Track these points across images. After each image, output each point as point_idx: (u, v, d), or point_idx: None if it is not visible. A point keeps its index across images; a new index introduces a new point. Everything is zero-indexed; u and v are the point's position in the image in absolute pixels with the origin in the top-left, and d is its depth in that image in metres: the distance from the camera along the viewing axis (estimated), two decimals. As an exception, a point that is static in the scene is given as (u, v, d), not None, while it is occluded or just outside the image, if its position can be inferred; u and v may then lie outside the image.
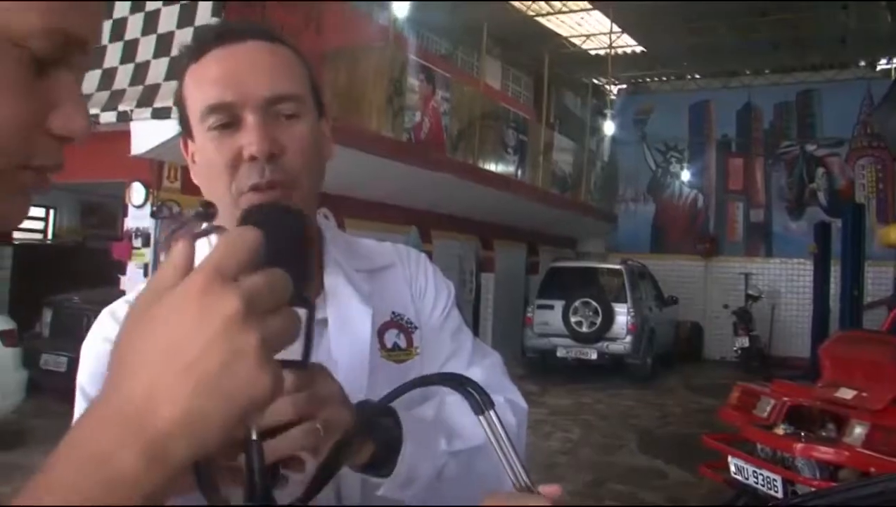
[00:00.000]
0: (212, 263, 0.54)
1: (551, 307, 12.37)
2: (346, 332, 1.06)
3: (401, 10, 10.01)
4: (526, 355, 12.63)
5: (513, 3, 13.23)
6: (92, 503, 0.49)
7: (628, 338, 12.11)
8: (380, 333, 1.10)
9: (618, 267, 12.99)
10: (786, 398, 5.32)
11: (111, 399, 0.52)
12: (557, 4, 13.49)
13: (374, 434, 0.90)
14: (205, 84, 1.00)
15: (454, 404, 1.04)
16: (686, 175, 17.39)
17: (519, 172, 13.01)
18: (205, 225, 0.61)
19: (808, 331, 12.11)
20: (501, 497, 0.77)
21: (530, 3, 13.30)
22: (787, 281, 15.87)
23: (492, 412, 0.79)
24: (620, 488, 6.53)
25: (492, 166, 11.95)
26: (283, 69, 1.03)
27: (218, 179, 1.00)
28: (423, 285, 1.20)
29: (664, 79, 17.97)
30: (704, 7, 12.41)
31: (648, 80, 18.09)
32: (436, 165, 9.69)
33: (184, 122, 1.05)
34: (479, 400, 0.80)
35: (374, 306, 1.10)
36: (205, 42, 1.03)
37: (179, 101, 1.05)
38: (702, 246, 16.78)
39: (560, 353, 12.34)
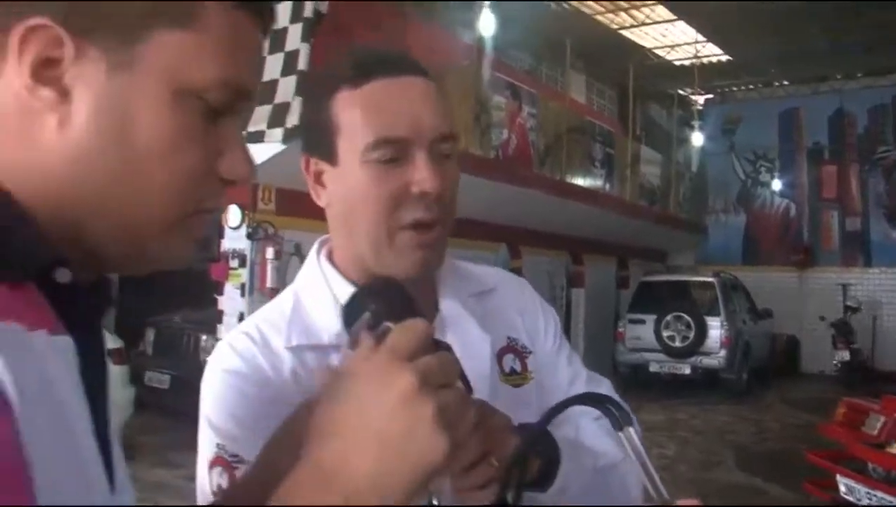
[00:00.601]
0: (390, 346, 0.61)
1: (643, 322, 12.23)
2: (467, 356, 1.05)
3: (486, 29, 10.12)
4: (618, 371, 12.50)
5: (596, 16, 13.21)
6: None
7: (722, 352, 11.86)
8: (498, 357, 1.12)
9: (710, 280, 12.75)
10: (898, 414, 5.15)
11: (312, 462, 0.59)
12: (641, 16, 13.40)
13: (539, 455, 0.95)
14: (374, 115, 0.99)
15: (586, 426, 1.10)
16: (777, 184, 16.96)
17: (607, 186, 12.95)
18: (383, 325, 0.68)
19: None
20: None
21: (613, 15, 13.25)
22: (889, 291, 15.29)
23: (630, 429, 0.82)
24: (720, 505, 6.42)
25: (579, 181, 11.93)
26: (443, 109, 1.04)
27: (370, 211, 0.99)
28: (532, 311, 1.22)
29: (751, 87, 17.59)
30: (792, 11, 12.13)
31: (735, 88, 17.74)
32: (523, 181, 9.75)
33: (324, 146, 1.03)
34: (619, 417, 0.83)
35: (490, 330, 1.11)
36: (365, 69, 1.02)
37: (323, 124, 1.02)
38: (796, 257, 16.32)
39: (653, 368, 12.18)
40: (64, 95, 0.56)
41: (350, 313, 0.78)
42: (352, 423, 0.59)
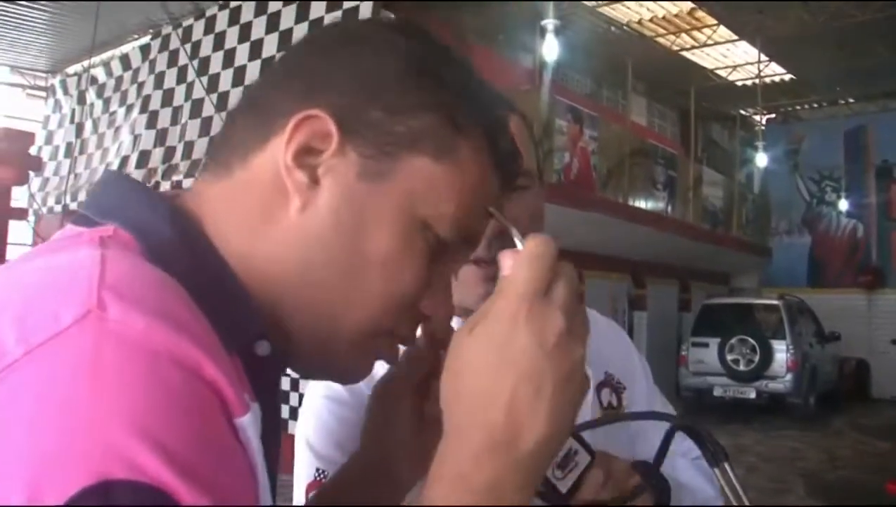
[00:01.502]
0: (528, 286, 0.56)
1: (706, 345, 12.05)
2: None
3: (549, 53, 10.18)
4: (681, 395, 12.33)
5: (657, 38, 13.18)
6: None
7: (789, 376, 11.61)
8: (597, 389, 1.14)
9: (775, 302, 12.52)
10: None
11: (475, 434, 0.54)
12: (702, 37, 13.33)
13: (653, 492, 0.97)
14: None
15: (683, 466, 1.14)
16: (844, 204, 16.60)
17: (669, 208, 12.87)
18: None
19: None
20: None
21: (674, 37, 13.21)
22: (965, 314, 14.84)
23: (726, 465, 0.82)
24: (792, 535, 6.30)
25: (642, 204, 11.88)
26: (520, 143, 1.07)
27: None
28: (625, 350, 1.25)
29: (816, 105, 17.30)
30: (856, 28, 11.93)
31: (799, 107, 17.47)
32: (585, 204, 9.75)
33: None
34: (714, 453, 0.83)
35: (590, 362, 1.16)
36: None
37: None
38: (864, 278, 15.92)
39: (717, 392, 11.97)
40: (314, 182, 0.59)
41: None
42: (508, 382, 0.54)
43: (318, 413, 1.03)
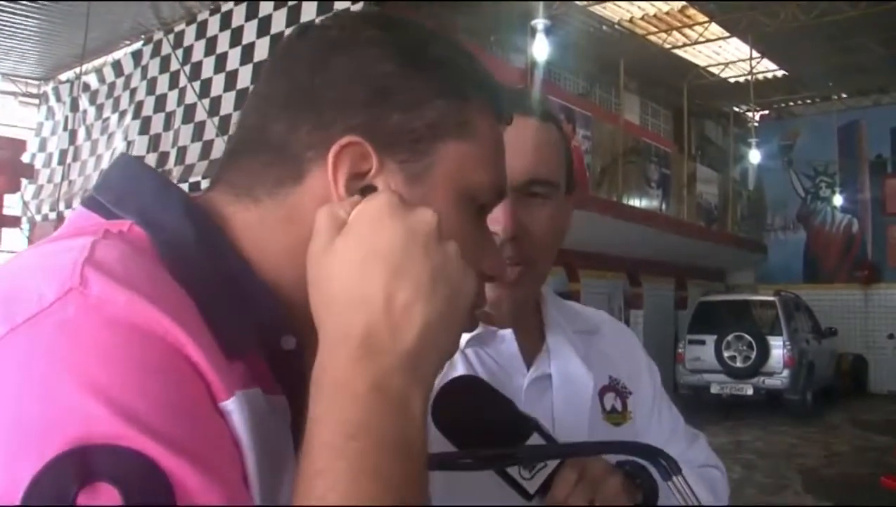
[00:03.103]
0: (390, 194, 0.58)
1: (703, 342, 12.05)
2: (568, 390, 1.09)
3: (539, 53, 10.19)
4: (678, 392, 12.33)
5: (648, 36, 13.20)
6: (393, 439, 0.52)
7: (785, 372, 11.61)
8: (600, 394, 1.13)
9: (771, 299, 12.53)
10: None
11: (351, 339, 0.54)
12: (694, 35, 13.35)
13: (641, 490, 0.96)
14: None
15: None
16: (838, 200, 16.60)
17: (663, 206, 12.88)
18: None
19: None
20: None
21: (666, 35, 13.23)
22: (959, 307, 14.86)
23: (679, 478, 0.82)
24: (790, 531, 6.31)
25: (636, 202, 11.89)
26: (545, 153, 1.05)
27: None
28: (634, 356, 1.24)
29: (809, 101, 17.32)
30: (848, 23, 11.95)
31: (792, 103, 17.49)
32: (580, 203, 9.74)
33: None
34: (668, 467, 0.83)
35: (592, 367, 1.13)
36: None
37: None
38: (860, 273, 15.93)
39: (714, 389, 11.97)
40: None
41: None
42: (378, 282, 0.54)
43: None
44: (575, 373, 1.11)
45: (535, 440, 0.88)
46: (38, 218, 7.98)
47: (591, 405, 1.11)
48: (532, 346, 1.11)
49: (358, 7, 5.61)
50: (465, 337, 1.03)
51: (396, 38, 0.64)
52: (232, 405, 0.52)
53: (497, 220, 0.99)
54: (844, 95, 16.82)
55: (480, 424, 0.87)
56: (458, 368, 1.04)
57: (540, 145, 1.04)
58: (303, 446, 0.52)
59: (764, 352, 11.62)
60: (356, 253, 0.55)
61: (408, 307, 0.54)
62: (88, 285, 0.50)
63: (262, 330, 0.60)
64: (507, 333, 1.08)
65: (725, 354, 11.80)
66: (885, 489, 5.46)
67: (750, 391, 11.78)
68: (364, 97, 0.62)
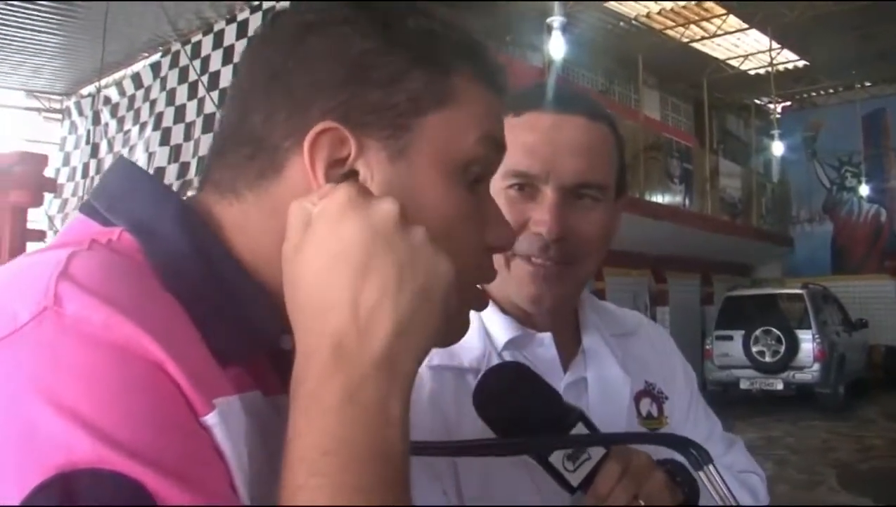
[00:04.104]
0: (349, 189, 0.55)
1: (730, 338, 11.94)
2: (605, 394, 1.08)
3: (556, 51, 10.15)
4: (707, 389, 12.23)
5: (666, 31, 13.12)
6: (371, 450, 0.50)
7: (816, 366, 11.46)
8: (636, 398, 1.11)
9: (798, 292, 12.37)
10: None
11: (322, 345, 0.52)
12: (712, 28, 13.26)
13: (681, 489, 0.93)
14: (517, 145, 0.96)
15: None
16: (865, 189, 16.43)
17: (686, 202, 12.79)
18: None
19: None
20: None
21: (683, 29, 13.14)
22: None
23: (710, 467, 0.81)
24: (826, 527, 6.22)
25: (658, 198, 11.81)
26: (597, 155, 1.02)
27: None
28: (670, 359, 1.21)
29: (831, 91, 17.14)
30: (868, 9, 11.77)
31: (814, 94, 17.32)
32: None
33: None
34: (698, 457, 0.81)
35: (629, 370, 1.11)
36: (531, 98, 1.03)
37: None
38: (889, 264, 15.75)
39: (743, 385, 11.85)
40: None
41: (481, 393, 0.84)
42: (344, 283, 0.53)
43: None
44: (611, 377, 1.09)
45: (579, 430, 0.86)
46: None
47: (628, 410, 1.09)
48: (568, 349, 1.09)
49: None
50: (502, 340, 1.04)
51: (370, 14, 0.62)
52: (213, 420, 0.50)
53: (542, 221, 0.98)
54: (868, 84, 16.62)
55: (525, 412, 0.86)
56: None
57: (591, 146, 1.01)
58: (283, 459, 0.51)
59: (793, 346, 11.48)
60: (319, 256, 0.54)
61: (375, 309, 0.52)
62: (63, 303, 0.48)
63: (258, 332, 0.59)
64: (546, 336, 1.07)
65: (754, 349, 11.68)
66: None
67: (780, 386, 11.65)
68: (340, 77, 0.60)
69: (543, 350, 1.07)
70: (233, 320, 0.57)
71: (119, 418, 0.46)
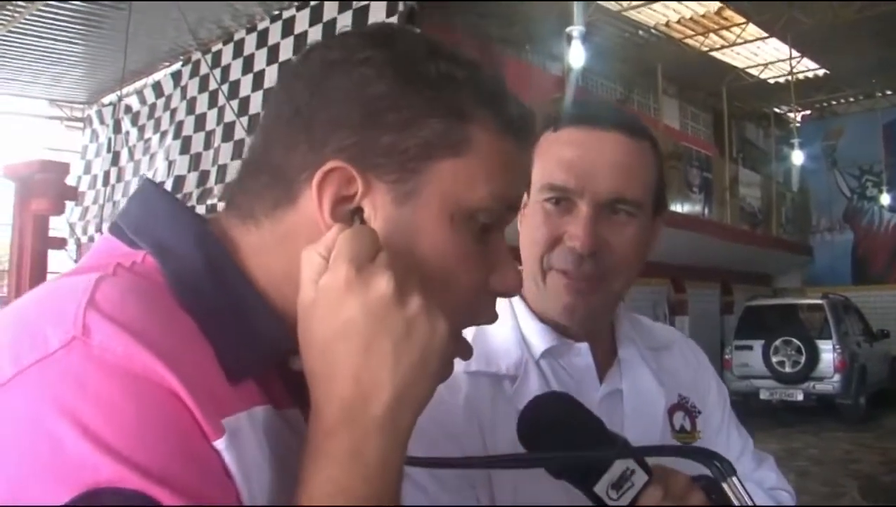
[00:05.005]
0: (349, 256, 0.58)
1: (750, 348, 11.85)
2: (640, 406, 1.09)
3: (575, 60, 10.14)
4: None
5: (685, 40, 13.08)
6: (369, 497, 0.56)
7: (837, 376, 11.36)
8: (669, 412, 1.12)
9: (818, 302, 12.28)
10: None
11: (328, 410, 0.58)
12: (731, 37, 13.21)
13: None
14: (554, 160, 1.02)
15: (756, 494, 1.10)
16: (886, 199, 16.30)
17: (706, 211, 12.73)
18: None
19: None
20: None
21: (703, 38, 13.10)
22: None
23: (734, 479, 0.81)
24: (850, 540, 6.14)
25: (678, 207, 11.77)
26: (634, 171, 1.03)
27: (534, 244, 1.04)
28: (704, 374, 1.22)
29: (852, 99, 17.03)
30: (888, 16, 11.66)
31: (834, 102, 17.21)
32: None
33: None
34: (721, 469, 0.82)
35: (663, 383, 1.12)
36: (570, 115, 1.05)
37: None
38: (911, 274, 15.62)
39: (763, 395, 11.75)
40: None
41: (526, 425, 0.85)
42: (349, 352, 0.57)
43: None
44: (646, 389, 1.10)
45: (624, 460, 0.87)
46: (83, 239, 8.11)
47: (662, 423, 1.10)
48: (604, 360, 1.10)
49: (393, 20, 5.62)
50: (539, 348, 1.05)
51: (393, 56, 0.63)
52: (222, 444, 0.55)
53: (576, 235, 0.99)
54: (889, 92, 16.49)
55: (571, 446, 0.87)
56: (531, 380, 1.04)
57: (628, 163, 1.02)
58: (295, 494, 0.57)
59: (813, 356, 11.39)
60: (324, 330, 0.58)
61: (375, 381, 0.57)
62: (90, 334, 0.53)
63: (269, 349, 0.63)
64: (583, 346, 1.08)
65: (774, 359, 11.59)
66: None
67: (800, 397, 11.54)
68: (356, 118, 0.62)
69: (580, 360, 1.08)
70: (245, 337, 0.61)
71: (137, 442, 0.50)
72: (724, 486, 0.81)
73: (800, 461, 9.04)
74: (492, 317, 0.70)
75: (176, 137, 7.32)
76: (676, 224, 10.95)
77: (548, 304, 1.05)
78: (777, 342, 11.62)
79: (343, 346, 0.57)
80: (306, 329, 0.59)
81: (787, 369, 11.56)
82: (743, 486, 0.81)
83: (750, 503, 0.80)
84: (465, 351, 0.69)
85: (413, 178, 0.62)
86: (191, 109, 7.20)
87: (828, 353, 11.45)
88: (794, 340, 11.55)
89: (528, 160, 0.70)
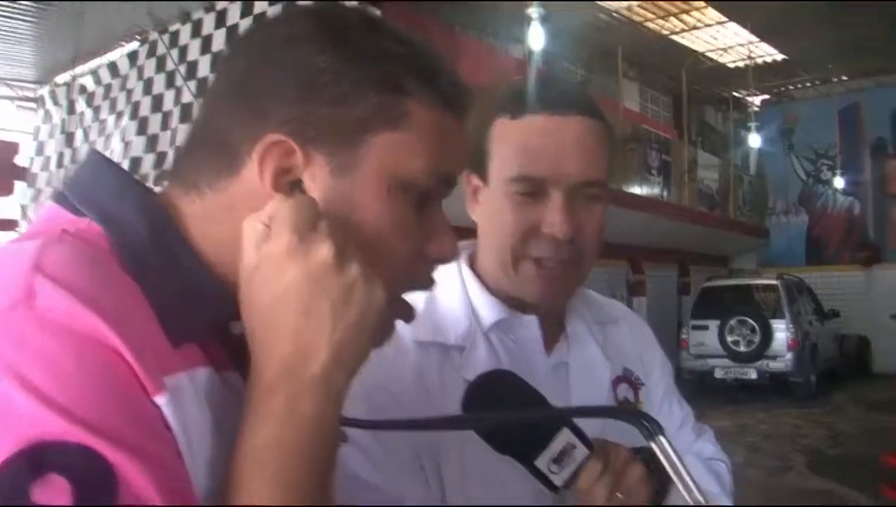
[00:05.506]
0: (290, 224, 0.60)
1: (706, 328, 12.06)
2: (585, 378, 1.11)
3: (535, 42, 10.15)
4: (682, 378, 12.33)
5: (646, 23, 13.17)
6: (306, 454, 0.59)
7: (789, 355, 11.62)
8: (614, 383, 1.14)
9: (773, 282, 12.50)
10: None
11: (269, 368, 0.60)
12: (691, 21, 13.31)
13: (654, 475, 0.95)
14: (520, 150, 1.02)
15: (691, 463, 1.16)
16: (839, 182, 16.54)
17: (664, 193, 12.87)
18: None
19: None
20: None
21: (663, 21, 13.20)
22: (965, 284, 14.76)
23: (661, 438, 0.82)
24: (794, 512, 6.32)
25: (636, 189, 11.88)
26: (598, 152, 1.04)
27: (502, 238, 1.04)
28: (649, 349, 1.25)
29: (809, 84, 17.23)
30: (847, 3, 11.80)
31: (792, 87, 17.42)
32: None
33: (480, 166, 1.06)
34: (650, 428, 0.83)
35: (609, 357, 1.15)
36: (529, 102, 1.05)
37: (480, 146, 1.05)
38: (862, 255, 15.92)
39: (718, 374, 11.98)
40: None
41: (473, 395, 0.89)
42: (289, 315, 0.60)
43: None
44: (592, 362, 1.13)
45: (565, 435, 0.91)
46: (38, 221, 8.00)
47: (607, 394, 1.13)
48: (553, 333, 1.13)
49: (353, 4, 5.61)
50: (488, 320, 1.07)
51: (334, 31, 0.66)
52: (162, 400, 0.57)
53: (554, 222, 1.00)
54: (845, 78, 16.74)
55: (513, 420, 0.90)
56: (479, 351, 1.06)
57: (592, 145, 1.04)
58: (234, 448, 0.59)
59: (767, 336, 11.62)
60: (266, 295, 0.61)
61: (313, 342, 0.60)
62: (35, 296, 0.54)
63: (210, 315, 0.65)
64: (532, 319, 1.10)
65: (729, 338, 11.81)
66: (888, 468, 5.47)
67: (754, 375, 11.79)
68: (296, 91, 0.64)
69: (528, 332, 1.10)
70: (187, 302, 0.63)
71: (81, 397, 0.52)
72: (652, 444, 0.83)
73: (751, 437, 9.24)
74: (428, 283, 0.72)
75: (132, 118, 7.21)
76: (635, 206, 11.06)
77: (521, 291, 1.06)
78: (732, 322, 11.83)
79: (284, 309, 0.60)
80: (248, 294, 0.62)
81: (742, 349, 11.78)
82: (671, 444, 0.82)
83: (677, 461, 0.82)
84: (407, 313, 0.72)
85: (351, 150, 0.64)
86: (147, 90, 7.10)
87: (781, 332, 11.69)
88: (749, 319, 11.76)
89: (466, 135, 0.72)
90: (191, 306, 0.63)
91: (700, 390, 11.95)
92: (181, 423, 0.58)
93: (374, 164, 0.65)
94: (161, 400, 0.57)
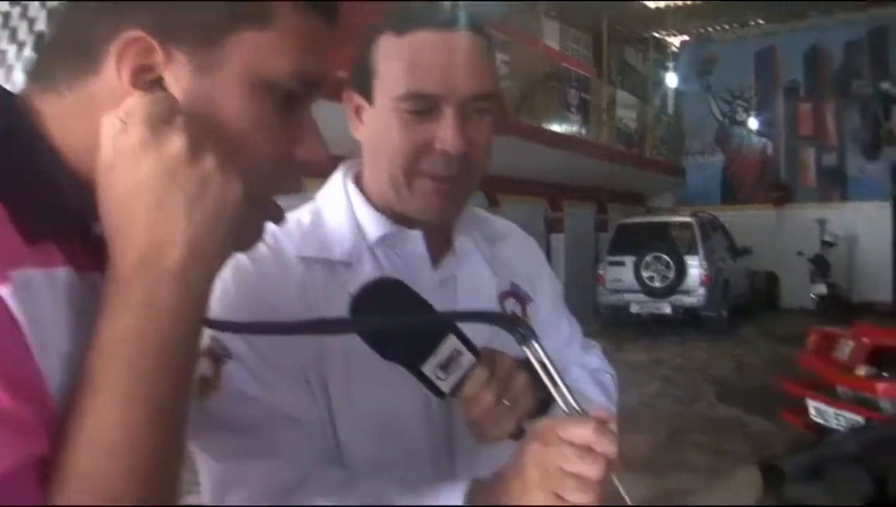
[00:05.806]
0: (143, 119, 0.60)
1: (622, 264, 12.36)
2: (472, 292, 1.12)
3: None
4: (599, 313, 12.66)
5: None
6: (159, 343, 0.59)
7: (702, 290, 12.03)
8: (501, 298, 1.16)
9: (688, 220, 12.86)
10: (866, 340, 5.24)
11: (125, 260, 0.60)
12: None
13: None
14: (408, 67, 1.00)
15: (577, 374, 1.18)
16: (754, 124, 17.02)
17: (583, 131, 12.97)
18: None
19: (890, 274, 11.82)
20: (552, 422, 0.83)
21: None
22: (866, 224, 15.37)
23: (533, 342, 0.84)
24: (701, 438, 6.57)
25: (555, 127, 11.94)
26: (486, 65, 1.04)
27: (393, 156, 1.03)
28: (537, 266, 1.26)
29: (727, 27, 17.52)
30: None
31: (711, 29, 17.68)
32: (498, 128, 9.68)
33: (364, 85, 1.05)
34: (523, 334, 0.84)
35: (497, 272, 1.16)
36: (410, 18, 1.03)
37: (364, 65, 1.04)
38: (774, 194, 16.47)
39: (634, 309, 12.35)
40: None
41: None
42: (143, 209, 0.60)
43: (223, 285, 0.98)
44: (479, 276, 1.14)
45: (451, 342, 0.91)
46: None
47: (494, 308, 1.13)
48: (440, 248, 1.13)
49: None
50: (373, 235, 1.07)
51: None
52: (6, 291, 0.55)
53: (446, 138, 1.00)
54: (762, 21, 17.05)
55: (399, 327, 0.90)
56: (365, 266, 1.05)
57: (479, 59, 1.03)
58: (91, 342, 0.59)
59: (681, 271, 11.98)
60: (120, 187, 0.60)
61: (168, 234, 0.60)
62: None
63: (68, 214, 0.64)
64: (417, 234, 1.09)
65: (644, 274, 12.14)
66: (788, 395, 5.72)
67: (668, 310, 12.18)
68: None
69: (414, 247, 1.09)
70: (43, 200, 0.62)
71: None
72: (525, 349, 0.84)
73: (664, 370, 9.56)
74: (297, 187, 0.71)
75: (36, 49, 6.88)
76: (554, 144, 11.13)
77: (414, 207, 1.05)
78: (648, 258, 12.15)
79: (138, 202, 0.59)
80: (105, 189, 0.61)
81: (657, 284, 12.13)
82: (544, 350, 0.84)
83: (550, 365, 0.83)
84: (276, 215, 0.72)
85: (214, 49, 0.63)
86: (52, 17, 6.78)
87: (695, 268, 12.07)
88: (664, 256, 12.11)
89: (333, 39, 0.70)
90: (47, 204, 0.62)
91: (616, 324, 12.33)
92: (31, 317, 0.56)
93: (236, 63, 0.64)
94: (4, 291, 0.55)
